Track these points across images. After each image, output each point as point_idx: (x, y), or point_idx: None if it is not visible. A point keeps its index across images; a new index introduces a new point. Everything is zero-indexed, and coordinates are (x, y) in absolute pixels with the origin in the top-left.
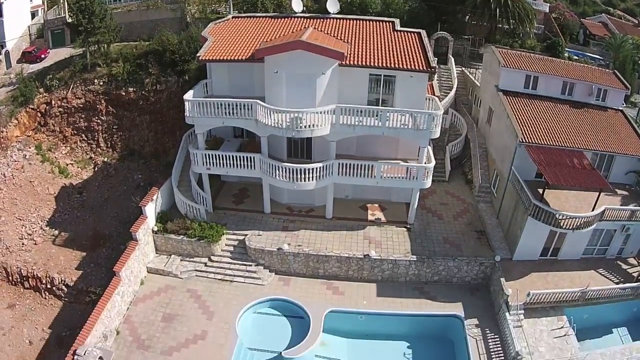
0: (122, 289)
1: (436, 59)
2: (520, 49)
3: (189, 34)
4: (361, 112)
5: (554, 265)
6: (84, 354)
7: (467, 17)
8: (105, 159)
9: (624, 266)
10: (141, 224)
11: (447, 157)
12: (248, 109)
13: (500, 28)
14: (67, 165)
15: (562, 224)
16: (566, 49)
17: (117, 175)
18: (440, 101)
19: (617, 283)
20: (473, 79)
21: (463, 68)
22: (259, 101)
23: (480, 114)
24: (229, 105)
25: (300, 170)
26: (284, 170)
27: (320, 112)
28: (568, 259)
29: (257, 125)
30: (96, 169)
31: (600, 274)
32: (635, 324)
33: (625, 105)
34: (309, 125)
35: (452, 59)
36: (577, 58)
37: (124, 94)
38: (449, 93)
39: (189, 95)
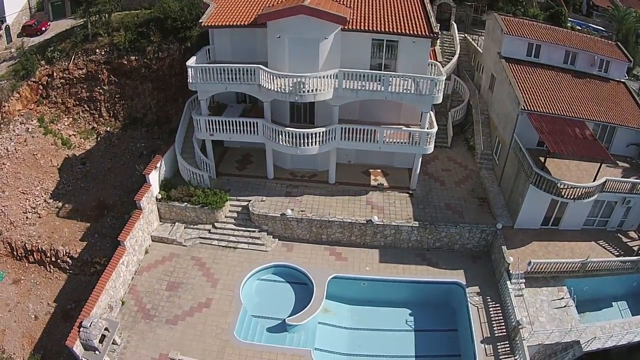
0: (127, 258)
1: (438, 24)
2: (523, 16)
3: (190, 0)
4: (364, 76)
5: (555, 235)
6: (90, 326)
7: None
8: (108, 129)
9: (625, 239)
10: (145, 192)
11: (450, 123)
12: (251, 74)
13: None
14: (69, 136)
15: (563, 193)
16: (569, 19)
17: (120, 144)
18: (443, 67)
19: (617, 256)
20: (475, 45)
21: (465, 34)
22: (261, 66)
23: (483, 80)
24: (231, 70)
25: (303, 135)
26: (287, 135)
27: (323, 77)
28: (569, 229)
29: (260, 91)
30: (99, 138)
31: (600, 245)
32: (635, 298)
33: (627, 77)
34: (312, 90)
35: (455, 25)
36: (579, 29)
37: (125, 62)
38: (451, 59)
39: (191, 62)
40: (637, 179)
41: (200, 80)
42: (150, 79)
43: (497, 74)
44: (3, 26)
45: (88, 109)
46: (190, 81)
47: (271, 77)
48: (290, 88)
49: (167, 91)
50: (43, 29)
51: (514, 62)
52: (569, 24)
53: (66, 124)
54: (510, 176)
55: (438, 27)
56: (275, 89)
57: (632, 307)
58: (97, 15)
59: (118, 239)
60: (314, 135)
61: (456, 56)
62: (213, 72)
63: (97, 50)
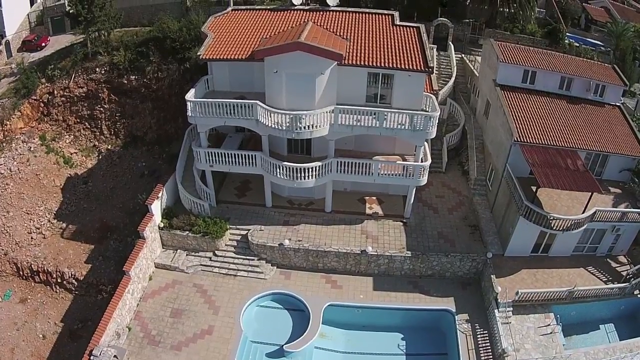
0: (132, 286)
1: (435, 46)
2: (521, 34)
3: (188, 20)
4: (359, 112)
5: (544, 262)
6: (100, 355)
7: (468, 1)
8: (109, 147)
9: (614, 264)
10: (148, 222)
11: (445, 148)
12: (249, 109)
13: (501, 12)
14: (71, 154)
15: (552, 225)
16: (567, 34)
17: (121, 163)
18: (439, 90)
19: (605, 281)
20: (472, 67)
21: (463, 55)
22: (259, 102)
23: (478, 104)
24: (230, 105)
25: (300, 169)
26: (285, 169)
27: (320, 113)
28: (559, 256)
29: (257, 125)
30: (100, 157)
31: (589, 272)
32: (622, 321)
33: (624, 97)
34: (309, 126)
35: (452, 47)
36: (577, 45)
37: (125, 82)
38: (448, 81)
39: (190, 95)
40: (627, 207)
41: (200, 114)
42: (150, 98)
43: (492, 101)
44: (3, 41)
45: (89, 126)
46: (190, 114)
47: (268, 113)
48: (287, 124)
49: (167, 111)
50: (43, 44)
51: (508, 90)
52: (566, 40)
53: (67, 141)
54: (502, 204)
55: (435, 50)
56: (272, 125)
57: (619, 329)
58: (97, 34)
59: (123, 269)
60: (310, 170)
61: (452, 79)
62: (212, 107)
63: (97, 69)
